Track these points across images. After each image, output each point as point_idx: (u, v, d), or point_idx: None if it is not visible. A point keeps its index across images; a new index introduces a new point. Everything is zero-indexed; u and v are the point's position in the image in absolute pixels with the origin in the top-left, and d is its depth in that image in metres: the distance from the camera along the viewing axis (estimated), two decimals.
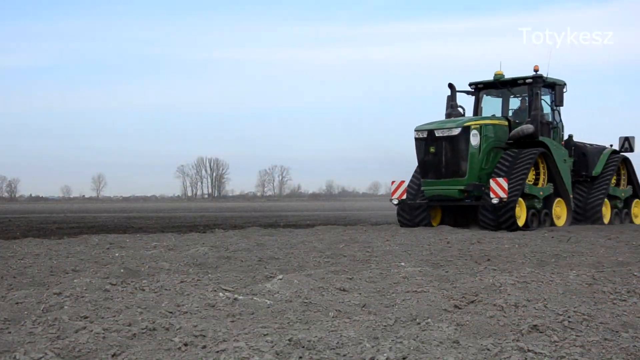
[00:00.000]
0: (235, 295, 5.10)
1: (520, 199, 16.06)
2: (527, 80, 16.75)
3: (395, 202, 16.77)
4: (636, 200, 19.46)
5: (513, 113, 17.47)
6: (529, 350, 3.48)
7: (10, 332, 4.02)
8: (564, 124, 17.72)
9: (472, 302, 5.06)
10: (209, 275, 6.60)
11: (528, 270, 6.59)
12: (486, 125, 16.34)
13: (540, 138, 16.38)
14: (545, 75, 16.86)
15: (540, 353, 3.45)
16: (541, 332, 3.98)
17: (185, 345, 3.65)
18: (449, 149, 15.88)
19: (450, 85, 17.21)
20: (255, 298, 5.07)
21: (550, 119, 17.29)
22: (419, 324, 4.27)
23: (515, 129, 16.32)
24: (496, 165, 15.97)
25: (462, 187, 15.83)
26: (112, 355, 3.55)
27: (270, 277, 6.38)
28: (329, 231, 14.68)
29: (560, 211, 16.86)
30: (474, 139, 15.81)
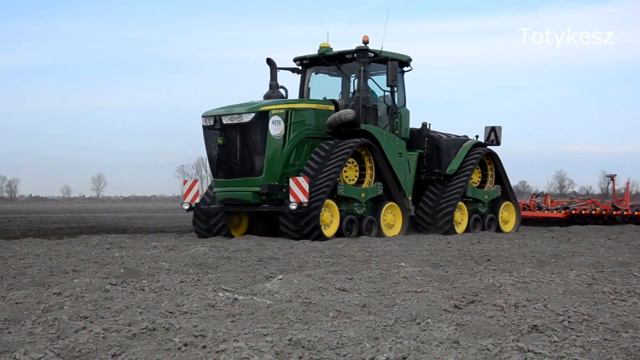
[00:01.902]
0: (235, 295, 5.10)
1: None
2: (353, 55, 13.48)
3: (186, 207, 13.20)
4: (506, 203, 16.04)
5: (348, 96, 14.19)
6: (529, 350, 3.48)
7: (10, 332, 4.02)
8: (408, 110, 14.52)
9: (472, 302, 5.07)
10: (209, 275, 6.60)
11: (528, 270, 6.59)
12: (296, 110, 13.01)
13: (363, 126, 13.19)
14: (381, 49, 13.66)
15: (540, 353, 3.45)
16: (541, 332, 3.98)
17: (185, 345, 3.65)
18: (239, 140, 12.50)
19: (269, 61, 13.67)
20: (255, 298, 5.06)
21: (389, 103, 14.18)
22: (419, 324, 4.27)
23: (332, 115, 13.06)
24: (307, 162, 12.87)
25: (257, 189, 12.41)
26: (112, 355, 3.55)
27: (270, 277, 6.39)
28: None
29: (392, 218, 13.60)
30: (275, 128, 12.52)
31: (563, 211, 18.32)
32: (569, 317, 4.28)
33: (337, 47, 14.15)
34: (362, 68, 13.25)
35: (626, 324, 4.25)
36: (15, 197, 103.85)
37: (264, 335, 3.84)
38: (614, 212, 18.02)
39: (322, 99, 13.89)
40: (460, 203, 14.77)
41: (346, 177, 13.07)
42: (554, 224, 17.87)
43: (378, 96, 14.18)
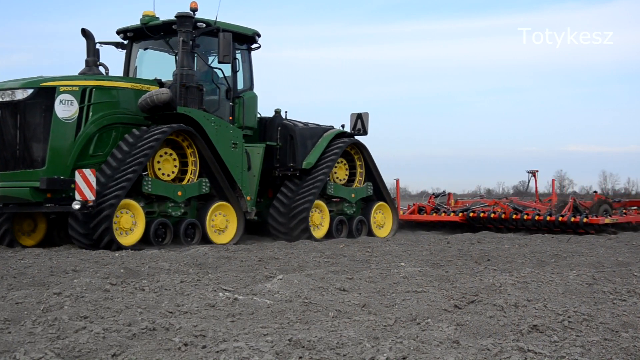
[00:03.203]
0: (235, 295, 5.10)
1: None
2: (175, 25, 11.20)
3: None
4: (380, 203, 14.04)
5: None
6: (529, 350, 3.48)
7: (10, 332, 4.02)
8: (256, 93, 12.50)
9: (472, 302, 5.07)
10: (209, 275, 6.60)
11: (528, 270, 6.59)
12: (99, 89, 10.66)
13: (182, 109, 10.90)
14: (215, 19, 11.56)
15: (540, 353, 3.45)
16: (541, 332, 3.98)
17: (185, 345, 3.65)
18: (12, 122, 10.18)
19: (84, 33, 11.31)
20: (255, 298, 5.07)
21: (226, 84, 12.01)
22: (419, 324, 4.27)
23: (144, 96, 10.75)
24: (112, 152, 10.56)
25: (36, 184, 9.91)
26: (112, 355, 3.55)
27: (270, 277, 6.39)
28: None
29: (223, 221, 11.36)
30: (65, 109, 10.22)
31: (460, 214, 15.84)
32: (569, 317, 4.28)
33: (166, 16, 11.79)
34: (182, 39, 10.98)
35: (626, 324, 4.25)
36: None
37: (264, 335, 3.84)
38: (514, 216, 15.07)
39: (152, 79, 11.67)
40: (320, 203, 12.75)
41: (160, 171, 10.71)
42: (455, 228, 15.70)
43: (219, 77, 12.06)
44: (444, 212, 16.33)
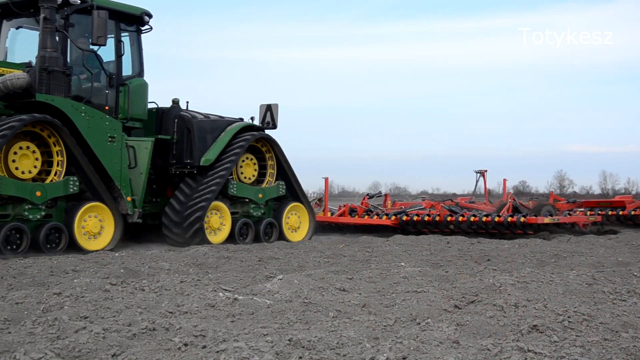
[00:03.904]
0: (235, 295, 5.10)
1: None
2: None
3: None
4: (294, 204, 12.88)
5: None
6: (529, 350, 3.48)
7: (10, 332, 4.02)
8: (146, 81, 11.26)
9: (472, 302, 5.07)
10: (209, 275, 6.60)
11: (528, 270, 6.59)
12: None
13: (42, 97, 9.60)
14: None
15: (540, 353, 3.45)
16: (541, 332, 3.98)
17: (185, 345, 3.65)
18: None
19: None
20: (255, 298, 5.07)
21: (108, 70, 10.81)
22: (419, 324, 4.27)
23: None
24: None
25: None
26: (112, 355, 3.55)
27: (270, 277, 6.39)
28: (329, 231, 14.64)
29: (96, 224, 10.03)
30: None
31: (393, 217, 14.63)
32: (569, 317, 4.27)
33: None
34: (44, 16, 9.69)
35: (626, 324, 4.25)
36: None
37: (264, 335, 3.84)
38: (449, 218, 14.04)
39: (22, 62, 10.39)
40: (220, 204, 11.56)
41: (19, 170, 9.30)
42: (388, 232, 14.21)
43: (99, 62, 10.89)
44: (377, 214, 15.08)
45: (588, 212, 16.06)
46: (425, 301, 5.02)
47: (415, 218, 14.31)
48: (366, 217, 15.08)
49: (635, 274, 6.46)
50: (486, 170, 17.42)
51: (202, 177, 11.53)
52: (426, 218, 14.17)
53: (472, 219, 13.83)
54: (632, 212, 17.01)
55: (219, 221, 11.53)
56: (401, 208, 15.77)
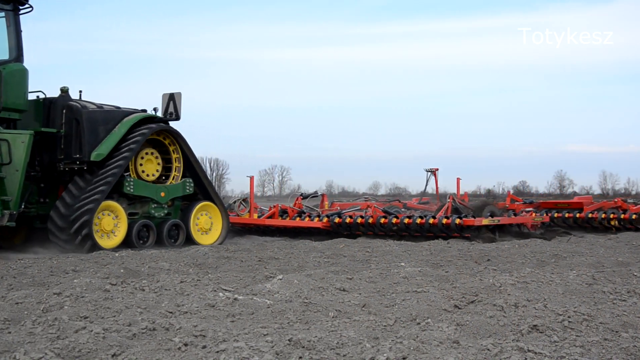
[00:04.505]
0: (235, 295, 5.10)
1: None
2: None
3: None
4: (204, 204, 11.93)
5: None
6: (529, 350, 3.48)
7: (10, 332, 4.02)
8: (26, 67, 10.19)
9: (472, 302, 5.07)
10: (209, 275, 6.60)
11: (528, 270, 6.59)
12: None
13: None
14: None
15: (540, 353, 3.45)
16: (541, 332, 3.98)
17: (185, 345, 3.65)
18: None
19: None
20: (255, 298, 5.07)
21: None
22: (419, 324, 4.27)
23: None
24: None
25: None
26: (112, 355, 3.55)
27: (270, 277, 6.39)
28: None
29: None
30: None
31: (326, 219, 13.54)
32: (569, 317, 4.27)
33: None
34: None
35: (626, 324, 4.25)
36: None
37: (264, 335, 3.84)
38: (382, 220, 13.03)
39: None
40: (114, 204, 10.49)
41: None
42: (323, 235, 13.33)
43: None
44: (309, 216, 14.02)
45: (544, 214, 15.33)
46: (425, 301, 5.02)
47: (347, 220, 13.25)
48: (297, 219, 14.02)
49: (635, 274, 6.46)
50: (437, 169, 16.29)
51: (92, 175, 10.43)
52: (359, 220, 13.17)
53: (406, 220, 12.84)
54: (590, 215, 16.23)
55: (112, 223, 10.40)
56: (337, 209, 14.78)
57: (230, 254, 8.70)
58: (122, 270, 6.73)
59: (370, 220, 13.09)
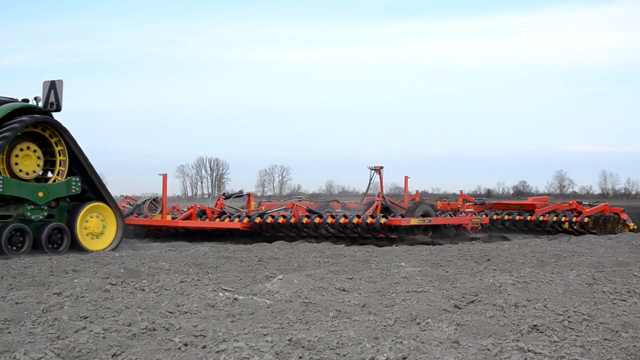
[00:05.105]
0: (235, 295, 5.10)
1: None
2: None
3: None
4: (94, 205, 10.84)
5: None
6: (529, 350, 3.47)
7: (10, 332, 4.02)
8: None
9: (472, 302, 5.06)
10: (209, 275, 6.60)
11: (528, 270, 6.59)
12: None
13: None
14: None
15: (540, 353, 3.45)
16: (541, 332, 3.97)
17: (185, 345, 3.65)
18: None
19: None
20: (255, 298, 5.06)
21: None
22: (419, 324, 4.27)
23: None
24: None
25: None
26: (112, 355, 3.55)
27: (270, 277, 6.39)
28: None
29: None
30: None
31: (246, 219, 12.76)
32: (569, 317, 4.27)
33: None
34: None
35: (626, 324, 4.25)
36: None
37: (264, 335, 3.84)
38: (304, 220, 12.29)
39: None
40: None
41: None
42: (243, 238, 12.55)
43: None
44: (229, 217, 13.18)
45: (482, 215, 14.68)
46: (425, 301, 5.02)
47: (268, 220, 12.42)
48: (217, 220, 13.09)
49: (635, 274, 6.46)
50: (382, 167, 15.21)
51: None
52: (280, 220, 12.38)
53: (329, 220, 12.08)
54: (541, 218, 15.62)
55: None
56: (261, 209, 13.80)
57: (230, 254, 8.70)
58: (122, 270, 6.72)
59: (293, 221, 12.27)
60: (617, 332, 4.02)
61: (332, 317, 4.61)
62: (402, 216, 12.30)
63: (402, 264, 7.82)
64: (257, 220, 12.48)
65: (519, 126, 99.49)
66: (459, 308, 4.92)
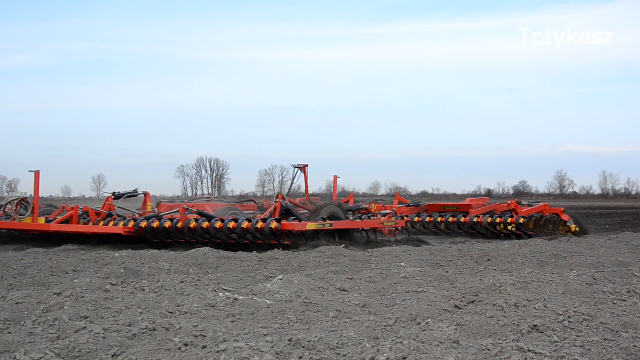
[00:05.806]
0: (235, 295, 5.10)
1: None
2: None
3: None
4: None
5: None
6: (529, 350, 3.48)
7: (10, 332, 4.02)
8: None
9: (472, 302, 5.07)
10: (209, 275, 6.60)
11: (528, 270, 6.59)
12: None
13: None
14: None
15: (540, 353, 3.45)
16: (541, 332, 3.98)
17: (185, 345, 3.65)
18: None
19: None
20: (255, 298, 5.06)
21: None
22: (419, 324, 4.27)
23: None
24: None
25: None
26: (112, 355, 3.55)
27: (270, 277, 6.39)
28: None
29: None
30: None
31: (131, 223, 11.39)
32: (569, 317, 4.27)
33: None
34: None
35: (626, 324, 4.25)
36: None
37: (264, 335, 3.84)
38: (191, 225, 10.97)
39: None
40: None
41: None
42: (123, 243, 11.28)
43: None
44: (113, 219, 11.76)
45: (399, 219, 13.61)
46: (425, 301, 5.02)
47: (154, 224, 11.14)
48: (100, 223, 11.69)
49: (635, 274, 6.46)
50: (306, 165, 14.14)
51: None
52: (166, 224, 11.09)
53: (217, 224, 10.75)
54: (475, 219, 14.72)
55: None
56: (154, 211, 12.50)
57: (230, 254, 8.69)
58: (122, 270, 6.72)
59: (179, 225, 11.01)
60: (617, 332, 4.02)
61: (332, 317, 4.61)
62: (300, 220, 10.94)
63: (402, 264, 7.82)
64: (143, 224, 11.16)
65: (519, 126, 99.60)
66: (459, 308, 4.92)
